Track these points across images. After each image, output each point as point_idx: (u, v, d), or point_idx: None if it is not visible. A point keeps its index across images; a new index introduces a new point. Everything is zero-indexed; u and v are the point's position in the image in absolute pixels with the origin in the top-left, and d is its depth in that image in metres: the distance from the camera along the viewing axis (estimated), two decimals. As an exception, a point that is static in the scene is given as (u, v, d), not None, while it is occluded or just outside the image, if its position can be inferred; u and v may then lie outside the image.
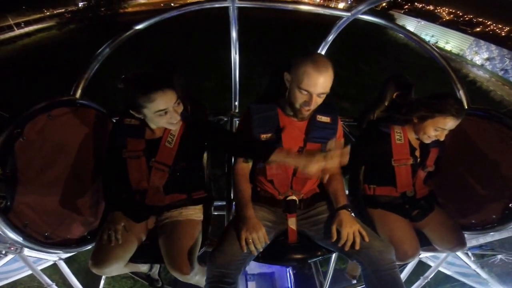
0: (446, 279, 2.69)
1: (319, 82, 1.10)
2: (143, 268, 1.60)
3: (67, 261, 2.01)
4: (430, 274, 2.02)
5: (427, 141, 1.40)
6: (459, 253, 1.90)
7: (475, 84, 19.37)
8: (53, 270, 2.05)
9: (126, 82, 1.15)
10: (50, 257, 1.83)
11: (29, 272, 1.76)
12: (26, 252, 1.45)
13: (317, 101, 1.16)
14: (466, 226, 1.50)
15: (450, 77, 1.64)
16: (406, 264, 1.40)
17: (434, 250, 1.53)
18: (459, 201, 1.57)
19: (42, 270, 1.82)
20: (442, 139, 1.36)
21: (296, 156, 1.15)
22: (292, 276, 2.82)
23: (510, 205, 1.35)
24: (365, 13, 1.59)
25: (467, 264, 1.98)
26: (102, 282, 2.47)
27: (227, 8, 1.54)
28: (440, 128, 1.31)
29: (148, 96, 1.11)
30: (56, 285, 1.86)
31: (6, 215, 1.03)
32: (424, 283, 2.10)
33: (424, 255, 2.01)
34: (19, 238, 1.08)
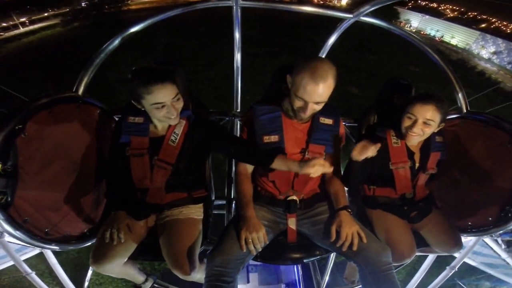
0: (470, 270, 2.33)
1: (315, 92, 1.08)
2: (139, 278, 1.61)
3: (55, 251, 1.86)
4: (457, 263, 1.81)
5: (411, 139, 1.37)
6: (488, 240, 1.73)
7: (484, 75, 19.22)
8: (40, 260, 1.94)
9: (133, 74, 1.17)
10: (36, 246, 1.74)
11: (12, 262, 1.65)
12: (8, 238, 1.38)
13: (314, 107, 1.15)
14: (463, 228, 1.52)
15: (450, 80, 1.65)
16: (402, 264, 1.41)
17: (430, 251, 1.56)
18: (456, 203, 1.59)
19: (28, 259, 1.72)
20: (421, 132, 1.31)
21: (294, 163, 1.18)
22: (300, 268, 2.55)
23: (506, 207, 1.37)
24: (367, 15, 1.60)
25: (497, 253, 1.79)
26: (90, 273, 2.33)
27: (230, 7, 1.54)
28: (411, 114, 1.30)
29: (147, 87, 1.12)
30: (42, 275, 1.75)
31: (6, 211, 1.03)
32: (451, 274, 1.87)
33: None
34: (18, 234, 1.08)
